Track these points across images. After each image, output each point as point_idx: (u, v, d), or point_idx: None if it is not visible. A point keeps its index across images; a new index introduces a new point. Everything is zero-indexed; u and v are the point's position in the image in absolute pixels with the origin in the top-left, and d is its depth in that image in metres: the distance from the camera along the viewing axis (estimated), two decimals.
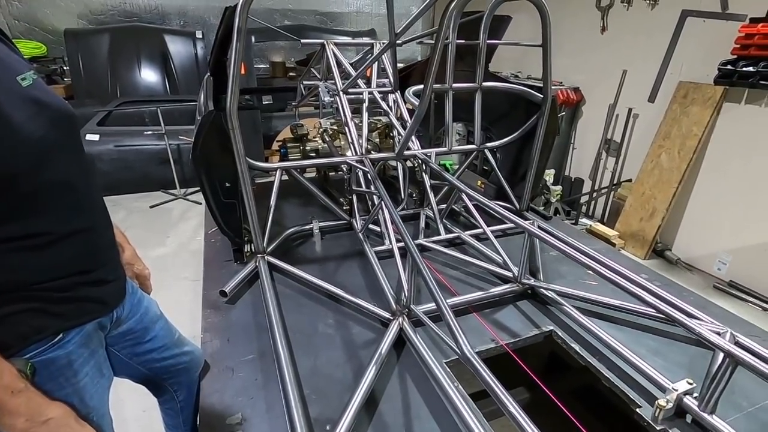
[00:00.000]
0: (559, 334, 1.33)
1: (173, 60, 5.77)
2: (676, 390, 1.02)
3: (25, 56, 0.89)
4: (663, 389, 1.06)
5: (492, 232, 1.77)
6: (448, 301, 1.22)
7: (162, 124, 4.18)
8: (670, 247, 3.70)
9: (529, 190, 2.16)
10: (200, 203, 4.32)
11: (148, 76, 5.72)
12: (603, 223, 4.12)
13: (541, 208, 4.04)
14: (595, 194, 4.38)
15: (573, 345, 1.28)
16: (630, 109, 3.91)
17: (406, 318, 1.28)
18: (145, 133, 4.42)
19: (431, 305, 1.30)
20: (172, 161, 4.37)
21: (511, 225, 1.58)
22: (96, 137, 4.26)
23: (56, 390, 0.84)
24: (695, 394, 1.02)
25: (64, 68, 5.62)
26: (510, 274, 1.54)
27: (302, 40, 2.42)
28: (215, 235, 1.89)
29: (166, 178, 4.49)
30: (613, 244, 3.67)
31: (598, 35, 4.12)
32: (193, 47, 5.87)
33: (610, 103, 4.06)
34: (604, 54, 4.11)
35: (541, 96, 1.98)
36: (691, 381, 1.04)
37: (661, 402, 1.01)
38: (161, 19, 6.07)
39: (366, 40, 6.42)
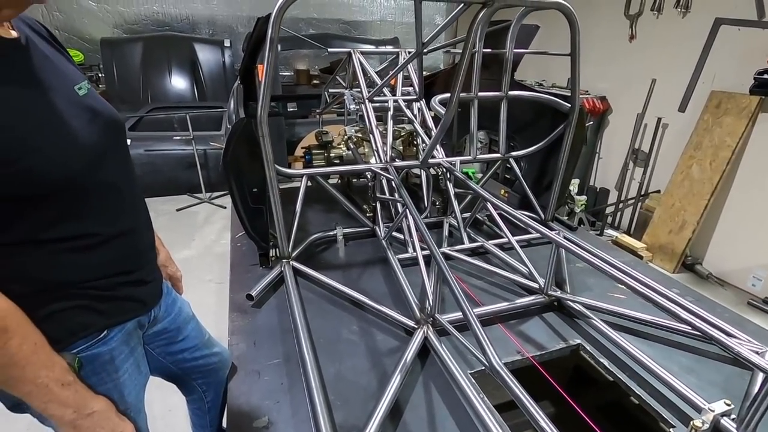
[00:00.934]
0: (587, 347, 1.30)
1: (202, 67, 5.94)
2: (713, 411, 0.98)
3: None
4: (698, 409, 1.02)
5: (517, 241, 1.75)
6: (473, 311, 1.21)
7: (190, 129, 4.30)
8: (700, 261, 3.58)
9: (555, 200, 2.13)
10: (225, 207, 4.41)
11: (178, 83, 5.91)
12: (629, 235, 4.02)
13: (565, 218, 3.97)
14: (621, 205, 4.28)
15: (601, 359, 1.25)
16: (659, 119, 3.82)
17: (430, 327, 1.27)
18: (174, 138, 4.56)
19: (456, 314, 1.29)
20: (198, 166, 4.48)
21: (536, 235, 1.56)
22: (128, 142, 4.40)
23: (99, 385, 0.87)
24: (733, 416, 0.98)
25: (100, 75, 5.87)
26: (536, 285, 1.52)
27: (329, 49, 2.47)
28: (241, 239, 1.92)
29: (193, 182, 4.61)
30: (641, 257, 3.57)
31: (626, 43, 4.05)
32: (221, 55, 6.04)
33: (638, 113, 3.98)
34: (632, 62, 4.03)
35: (569, 105, 1.95)
36: (728, 402, 1.00)
37: (697, 423, 0.97)
38: (191, 28, 6.28)
39: (390, 48, 6.50)
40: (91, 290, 0.85)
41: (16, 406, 0.87)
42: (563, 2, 1.67)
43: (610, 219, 4.39)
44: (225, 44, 6.07)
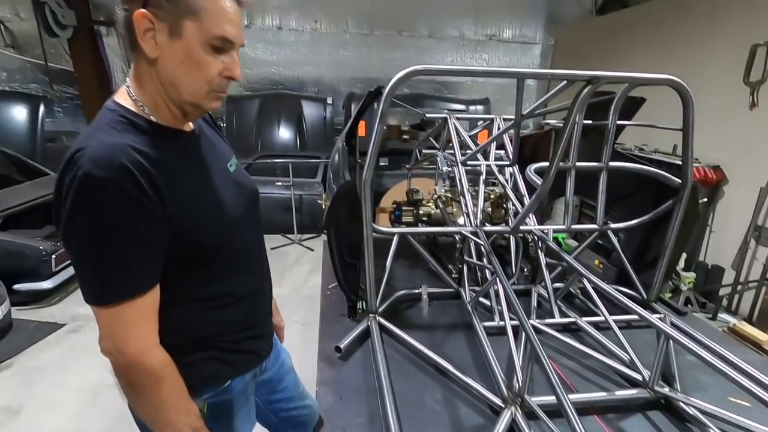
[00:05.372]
0: None
1: (306, 121, 6.62)
2: None
3: None
4: None
5: (615, 322, 1.63)
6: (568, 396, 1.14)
7: (291, 176, 4.76)
8: None
9: (660, 281, 1.95)
10: (313, 249, 4.68)
11: (284, 134, 6.64)
12: (751, 323, 3.47)
13: (669, 295, 3.57)
14: (739, 287, 3.75)
15: None
16: None
17: (518, 408, 1.22)
18: (276, 183, 5.04)
19: (548, 398, 1.22)
20: (294, 209, 4.88)
21: (637, 317, 1.44)
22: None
23: (215, 430, 0.96)
24: None
25: (222, 125, 6.78)
26: (639, 377, 1.38)
27: (427, 115, 2.62)
28: (332, 288, 2.03)
29: (287, 224, 5.00)
30: (766, 352, 3.05)
31: (745, 111, 3.72)
32: (324, 111, 6.70)
33: (761, 186, 3.56)
34: (753, 131, 3.67)
35: (678, 180, 1.83)
36: None
37: None
38: (300, 87, 7.04)
39: (480, 108, 6.61)
40: (223, 343, 0.96)
41: None
42: (675, 78, 1.62)
43: (725, 302, 3.85)
44: (327, 101, 6.73)
